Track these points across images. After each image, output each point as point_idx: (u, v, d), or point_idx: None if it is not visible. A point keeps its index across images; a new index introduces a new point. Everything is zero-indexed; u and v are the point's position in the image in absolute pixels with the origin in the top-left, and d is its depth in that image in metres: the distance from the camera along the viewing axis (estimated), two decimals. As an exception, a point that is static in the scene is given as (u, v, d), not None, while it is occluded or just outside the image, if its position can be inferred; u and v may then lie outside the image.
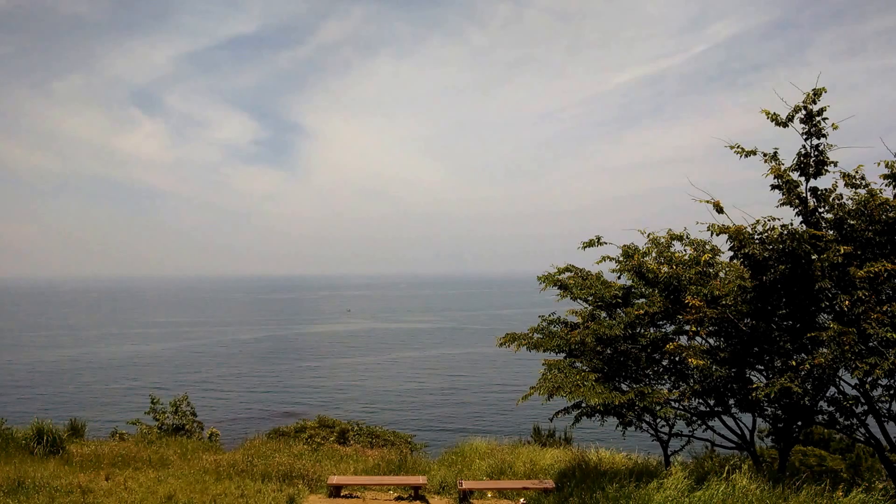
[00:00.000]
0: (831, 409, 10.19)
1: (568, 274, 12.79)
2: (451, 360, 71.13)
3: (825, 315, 9.65)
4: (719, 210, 9.84)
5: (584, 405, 11.67)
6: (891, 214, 9.20)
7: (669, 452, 13.01)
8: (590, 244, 11.50)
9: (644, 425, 12.50)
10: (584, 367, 11.35)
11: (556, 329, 12.44)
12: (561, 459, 15.07)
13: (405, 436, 22.99)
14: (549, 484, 11.73)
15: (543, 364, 11.49)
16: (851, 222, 9.40)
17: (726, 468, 9.67)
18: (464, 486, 12.06)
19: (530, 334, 12.34)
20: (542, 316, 12.82)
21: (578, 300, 12.47)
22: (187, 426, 20.38)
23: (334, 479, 12.66)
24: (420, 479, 12.59)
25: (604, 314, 12.16)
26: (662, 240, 11.94)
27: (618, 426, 12.23)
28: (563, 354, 12.07)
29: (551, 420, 12.60)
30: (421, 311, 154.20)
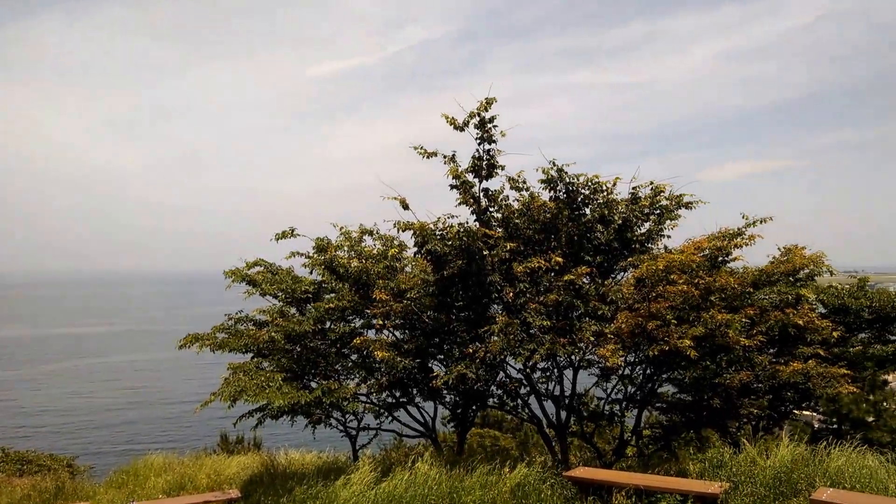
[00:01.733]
0: (500, 392, 11.34)
1: (258, 269, 12.33)
2: (124, 368, 64.68)
3: (496, 306, 10.70)
4: (405, 207, 10.31)
5: (269, 407, 11.36)
6: (548, 215, 10.53)
7: (358, 447, 13.33)
8: (283, 236, 11.21)
9: (333, 422, 12.62)
10: (272, 368, 11.04)
11: (243, 328, 11.91)
12: (248, 466, 14.51)
13: (65, 458, 20.14)
14: (235, 493, 11.16)
15: (229, 367, 10.92)
16: (516, 221, 10.56)
17: (411, 457, 10.18)
18: (135, 509, 10.87)
19: (214, 334, 11.63)
20: (229, 314, 12.19)
21: (268, 296, 12.11)
22: None
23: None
24: (80, 508, 11.05)
25: (294, 310, 11.98)
26: (355, 234, 12.17)
27: (307, 425, 12.14)
28: (252, 354, 11.62)
29: (234, 425, 12.03)
30: (94, 313, 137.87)
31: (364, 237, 12.39)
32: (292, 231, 11.20)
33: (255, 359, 11.36)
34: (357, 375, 11.74)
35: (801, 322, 10.43)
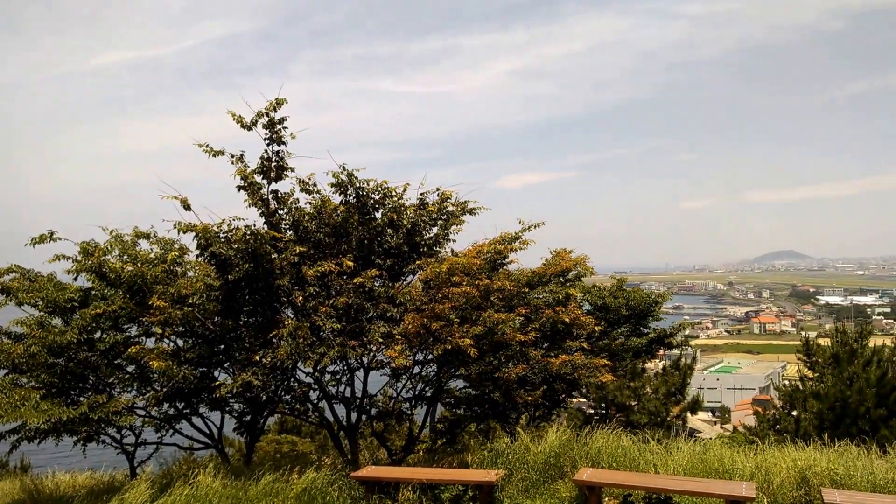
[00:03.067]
0: (288, 397, 11.23)
1: (12, 276, 11.07)
2: None
3: (288, 311, 10.58)
4: (186, 207, 9.85)
5: (25, 427, 10.29)
6: (338, 219, 10.63)
7: (137, 463, 12.50)
8: (41, 240, 10.16)
9: (108, 439, 11.71)
10: (30, 384, 10.00)
11: (-6, 342, 10.64)
12: (10, 493, 13.04)
13: None
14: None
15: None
16: (307, 224, 10.53)
17: (194, 470, 9.75)
18: None
19: (-43, 350, 10.27)
20: (-23, 327, 10.82)
21: (26, 306, 10.93)
22: None
23: None
24: None
25: (58, 321, 10.93)
26: (128, 238, 11.38)
27: (75, 443, 11.16)
28: (6, 371, 10.41)
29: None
30: None
31: (139, 240, 11.60)
32: (51, 234, 10.20)
33: (10, 375, 10.20)
34: (133, 387, 10.99)
35: (568, 319, 11.53)
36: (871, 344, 15.72)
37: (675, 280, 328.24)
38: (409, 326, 10.00)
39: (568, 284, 12.85)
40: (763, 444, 9.55)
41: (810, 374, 17.75)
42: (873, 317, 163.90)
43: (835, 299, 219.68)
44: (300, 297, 9.87)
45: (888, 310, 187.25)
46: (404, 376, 11.61)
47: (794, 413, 16.72)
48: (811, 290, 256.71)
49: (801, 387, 17.15)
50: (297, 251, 9.88)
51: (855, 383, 13.84)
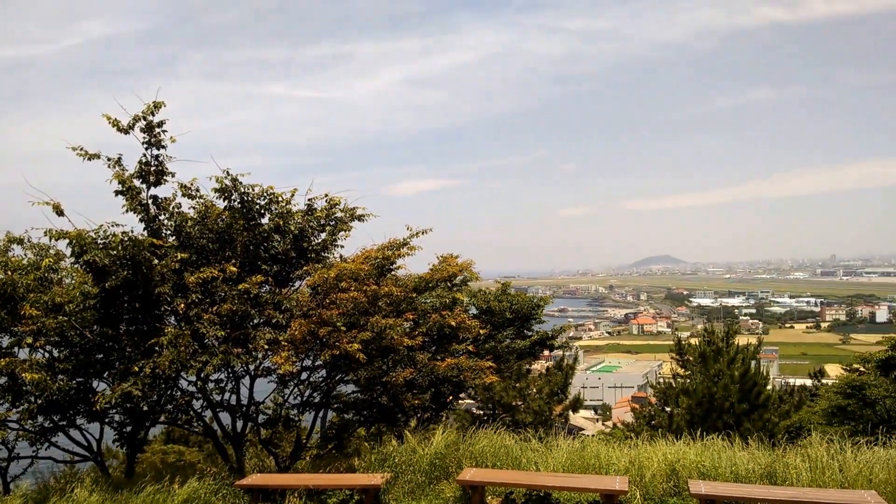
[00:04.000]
0: (170, 407, 10.93)
1: None
2: None
3: (171, 319, 10.31)
4: (59, 213, 9.41)
5: None
6: (222, 224, 10.48)
7: (10, 479, 11.74)
8: None
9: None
10: None
11: None
12: None
13: None
14: None
15: None
16: (190, 230, 10.31)
17: (72, 485, 9.32)
18: None
19: None
20: None
21: None
22: None
23: None
24: None
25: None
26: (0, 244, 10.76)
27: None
28: None
29: None
30: None
31: (12, 246, 10.98)
32: None
33: None
34: (5, 400, 10.34)
35: (454, 323, 11.89)
36: (736, 343, 17.08)
37: (560, 284, 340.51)
38: (296, 332, 10.01)
39: (455, 289, 13.23)
40: (638, 439, 10.16)
41: (682, 371, 19.08)
42: (740, 317, 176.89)
43: (706, 301, 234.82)
44: (182, 305, 9.66)
45: (753, 311, 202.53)
46: (291, 383, 11.58)
47: (668, 409, 17.92)
48: (685, 292, 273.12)
49: (673, 384, 18.41)
50: (179, 257, 9.66)
51: (720, 380, 15.01)
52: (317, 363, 11.38)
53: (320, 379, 11.84)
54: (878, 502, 6.97)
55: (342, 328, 9.97)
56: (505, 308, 14.58)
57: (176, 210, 10.31)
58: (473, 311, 14.50)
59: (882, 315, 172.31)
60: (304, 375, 11.63)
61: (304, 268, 11.06)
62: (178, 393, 10.64)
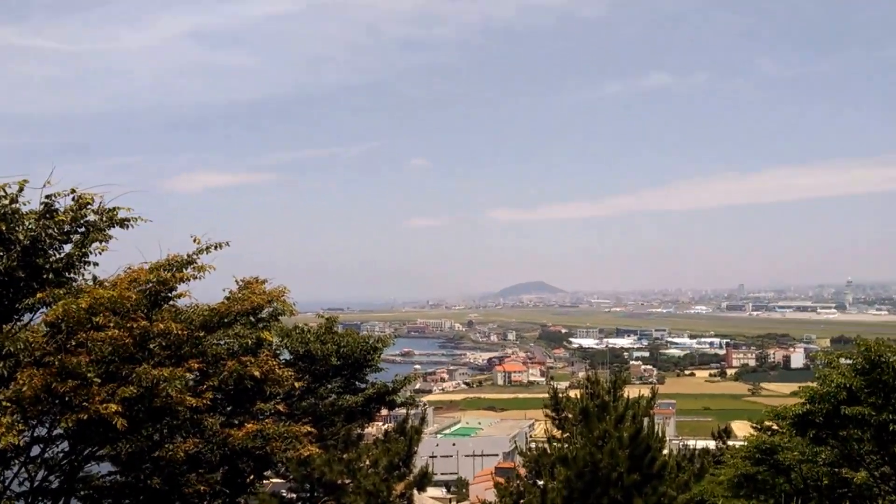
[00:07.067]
0: None
1: None
2: None
3: None
4: None
5: None
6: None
7: None
8: None
9: None
10: None
11: None
12: None
13: None
14: None
15: None
16: None
17: None
18: None
19: None
20: None
21: None
22: None
23: None
24: None
25: None
26: None
27: None
28: None
29: None
30: None
31: None
32: None
33: None
34: None
35: (259, 373, 11.67)
36: (625, 395, 18.00)
37: (404, 318, 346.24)
38: (25, 388, 9.47)
39: (261, 326, 13.04)
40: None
41: (559, 433, 19.89)
42: (630, 361, 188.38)
43: (589, 342, 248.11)
44: None
45: (646, 353, 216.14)
46: (16, 461, 10.92)
47: (541, 483, 18.57)
48: (563, 330, 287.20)
49: (548, 450, 19.13)
50: None
51: (607, 444, 15.74)
52: (56, 432, 10.98)
53: (61, 455, 11.42)
54: None
55: (95, 381, 9.54)
56: (330, 352, 14.53)
57: None
58: (286, 356, 14.36)
59: (798, 359, 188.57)
60: (35, 450, 11.16)
61: (39, 294, 10.49)
62: None
